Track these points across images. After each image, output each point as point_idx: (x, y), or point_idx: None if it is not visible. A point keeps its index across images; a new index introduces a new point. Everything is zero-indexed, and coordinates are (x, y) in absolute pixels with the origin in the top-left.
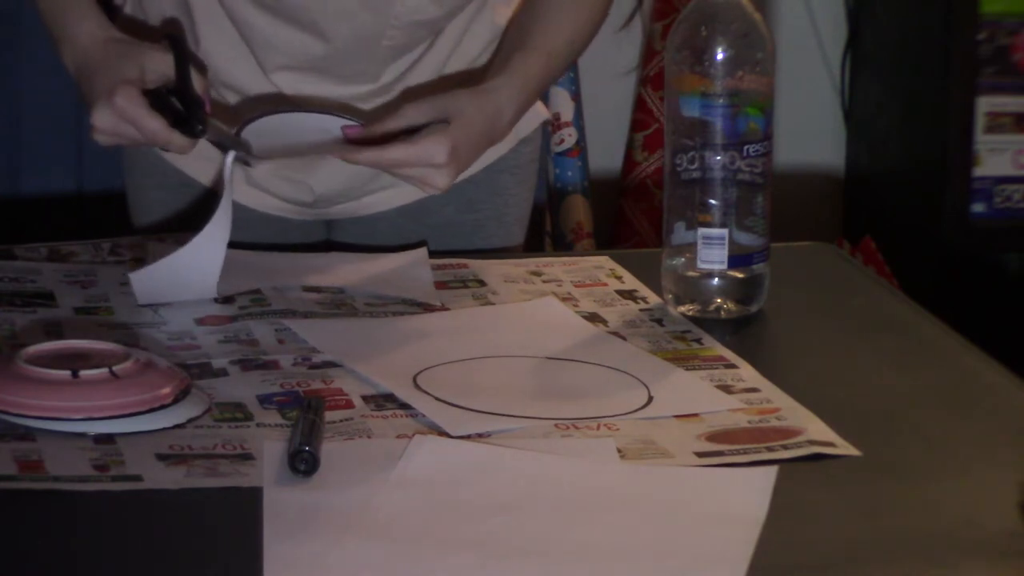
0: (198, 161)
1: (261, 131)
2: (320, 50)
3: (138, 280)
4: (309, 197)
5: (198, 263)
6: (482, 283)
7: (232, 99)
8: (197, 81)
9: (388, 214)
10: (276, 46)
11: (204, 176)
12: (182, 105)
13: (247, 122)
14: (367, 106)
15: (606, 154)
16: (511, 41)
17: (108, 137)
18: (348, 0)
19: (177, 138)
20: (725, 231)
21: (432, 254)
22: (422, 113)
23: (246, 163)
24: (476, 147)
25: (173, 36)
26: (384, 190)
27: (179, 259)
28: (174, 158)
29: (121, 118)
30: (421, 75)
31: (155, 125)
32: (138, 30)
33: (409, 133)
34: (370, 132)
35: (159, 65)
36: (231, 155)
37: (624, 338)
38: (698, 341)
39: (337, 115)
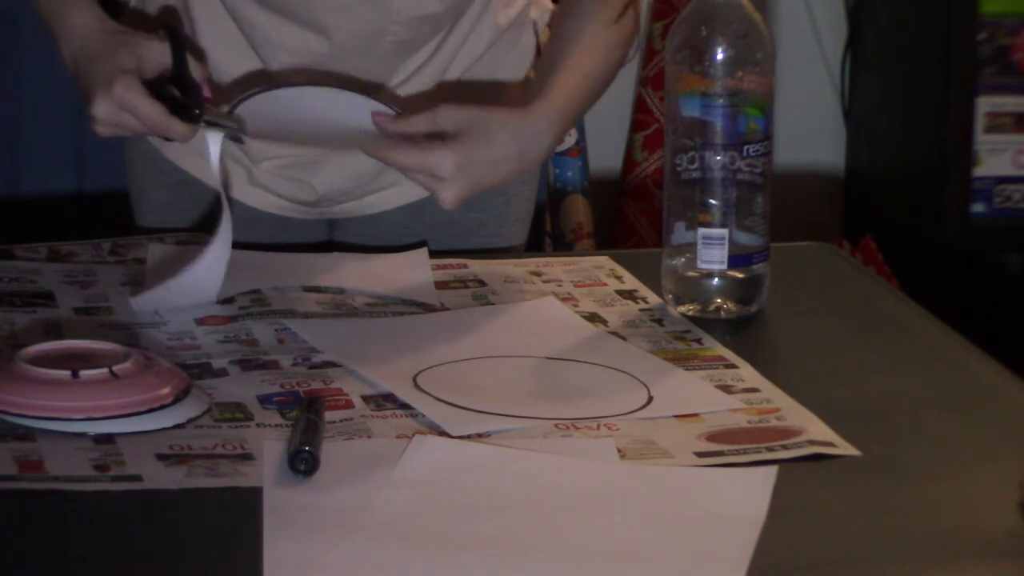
0: (200, 159)
1: (260, 108)
2: (323, 47)
3: (137, 303)
4: (312, 197)
5: (199, 284)
6: (482, 283)
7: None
8: (196, 68)
9: (391, 213)
10: (279, 44)
11: (206, 175)
12: (180, 91)
13: (250, 96)
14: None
15: (606, 154)
16: (547, 65)
17: (108, 128)
18: None
19: (177, 125)
20: (725, 231)
21: (434, 253)
22: (454, 118)
23: (238, 140)
24: (496, 169)
25: (169, 25)
26: (387, 189)
27: (180, 284)
28: (177, 156)
29: (121, 107)
30: (430, 76)
31: (155, 112)
32: (140, 24)
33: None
34: (398, 126)
35: (156, 54)
36: (217, 138)
37: (624, 338)
38: (698, 341)
39: (353, 92)
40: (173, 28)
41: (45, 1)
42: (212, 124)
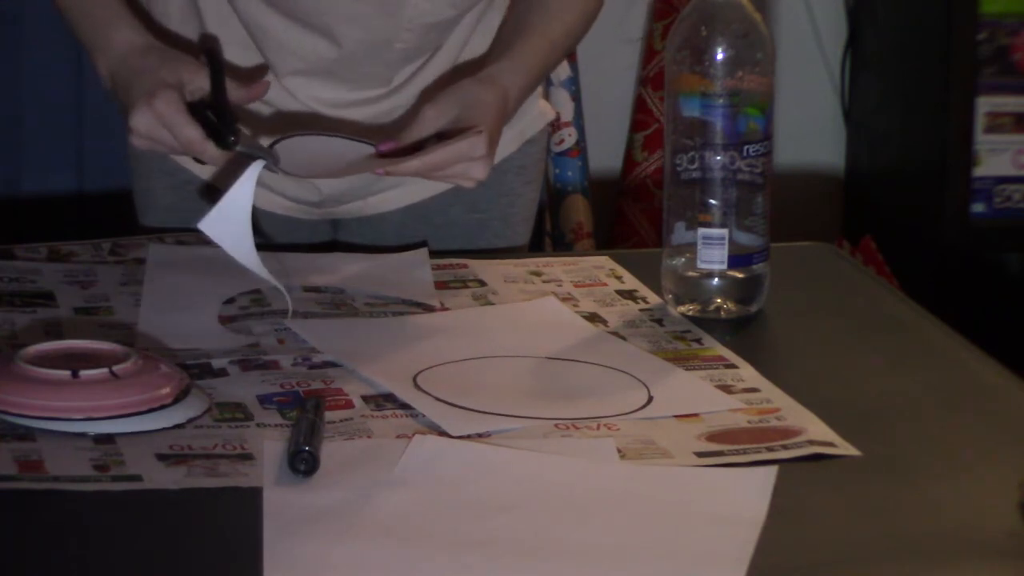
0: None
1: (292, 148)
2: (333, 54)
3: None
4: (316, 197)
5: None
6: (482, 283)
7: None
8: (237, 93)
9: (394, 214)
10: (289, 50)
11: (210, 175)
12: (216, 117)
13: (279, 139)
14: (377, 108)
15: (606, 154)
16: (510, 28)
17: (144, 141)
18: (360, 3)
19: (211, 149)
20: (725, 231)
21: (438, 254)
22: (443, 112)
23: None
24: (500, 132)
25: (210, 49)
26: (390, 190)
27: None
28: (182, 157)
29: (159, 122)
30: (431, 76)
31: (192, 133)
32: (175, 45)
33: (438, 135)
34: (402, 144)
35: (197, 77)
36: (258, 164)
37: (624, 338)
38: (698, 341)
39: (370, 143)
40: (214, 52)
41: (80, 15)
42: (245, 154)
